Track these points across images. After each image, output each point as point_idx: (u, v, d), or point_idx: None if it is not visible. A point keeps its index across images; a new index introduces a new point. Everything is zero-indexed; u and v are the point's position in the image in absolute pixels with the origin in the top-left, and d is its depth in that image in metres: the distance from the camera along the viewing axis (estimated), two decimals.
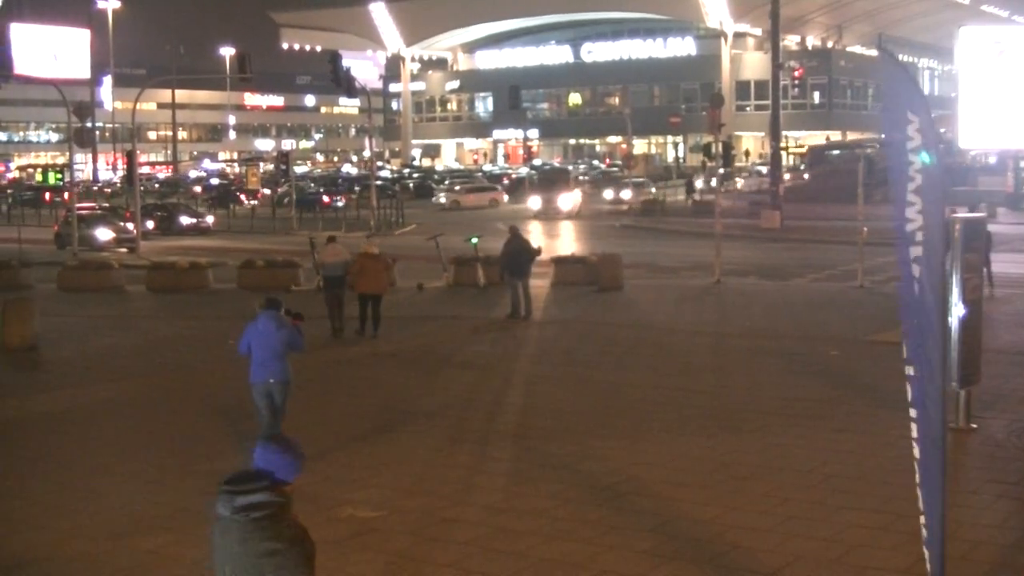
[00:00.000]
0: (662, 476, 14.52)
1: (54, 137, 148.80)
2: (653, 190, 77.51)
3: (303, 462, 6.60)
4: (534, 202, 69.45)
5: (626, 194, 74.77)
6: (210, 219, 64.73)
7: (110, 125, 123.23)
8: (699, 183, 77.04)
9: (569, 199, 69.71)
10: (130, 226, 53.25)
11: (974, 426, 16.48)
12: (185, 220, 62.61)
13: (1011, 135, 59.51)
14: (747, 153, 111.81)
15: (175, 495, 14.25)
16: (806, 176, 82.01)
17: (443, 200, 77.95)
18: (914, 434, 8.90)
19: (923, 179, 8.50)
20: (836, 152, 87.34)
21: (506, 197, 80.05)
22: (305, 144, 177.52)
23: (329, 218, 64.30)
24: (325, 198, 74.57)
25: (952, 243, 15.87)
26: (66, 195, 60.21)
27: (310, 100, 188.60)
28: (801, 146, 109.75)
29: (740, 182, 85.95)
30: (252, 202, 76.05)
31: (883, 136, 9.03)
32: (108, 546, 12.50)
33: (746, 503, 13.32)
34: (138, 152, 53.97)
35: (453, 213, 71.73)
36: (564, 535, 12.46)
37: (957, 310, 15.97)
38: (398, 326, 27.72)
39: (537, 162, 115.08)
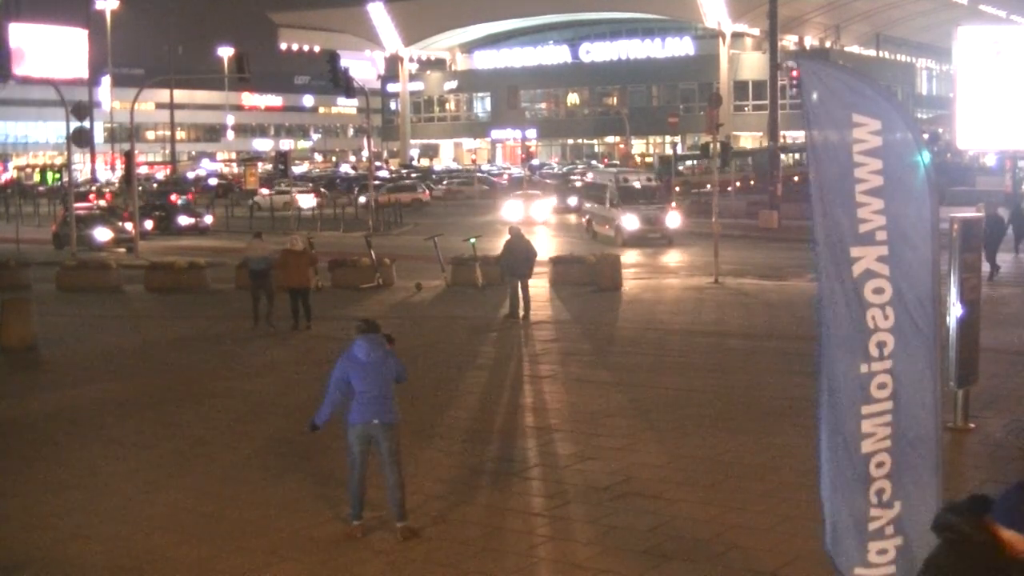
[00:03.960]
0: (662, 476, 14.54)
1: (52, 137, 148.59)
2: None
3: None
4: (630, 221, 48.80)
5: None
6: (208, 219, 64.70)
7: (108, 125, 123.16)
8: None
9: (676, 216, 50.59)
10: (128, 226, 53.20)
11: (972, 426, 16.50)
12: (183, 220, 62.57)
13: (1009, 135, 59.53)
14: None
15: (174, 495, 14.26)
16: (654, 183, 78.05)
17: (257, 200, 77.85)
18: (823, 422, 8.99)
19: (889, 180, 8.54)
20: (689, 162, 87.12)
21: (313, 200, 75.53)
22: (303, 144, 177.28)
23: (327, 217, 64.26)
24: (172, 197, 74.21)
25: (950, 243, 15.93)
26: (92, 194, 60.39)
27: (308, 100, 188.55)
28: (647, 155, 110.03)
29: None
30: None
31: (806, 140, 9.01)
32: (107, 547, 12.52)
33: (745, 503, 13.35)
34: (136, 152, 53.88)
35: (445, 211, 71.65)
36: (563, 535, 12.49)
37: (955, 310, 16.02)
38: (396, 326, 27.74)
39: (535, 162, 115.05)
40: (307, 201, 76.04)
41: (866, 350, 8.63)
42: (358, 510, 12.74)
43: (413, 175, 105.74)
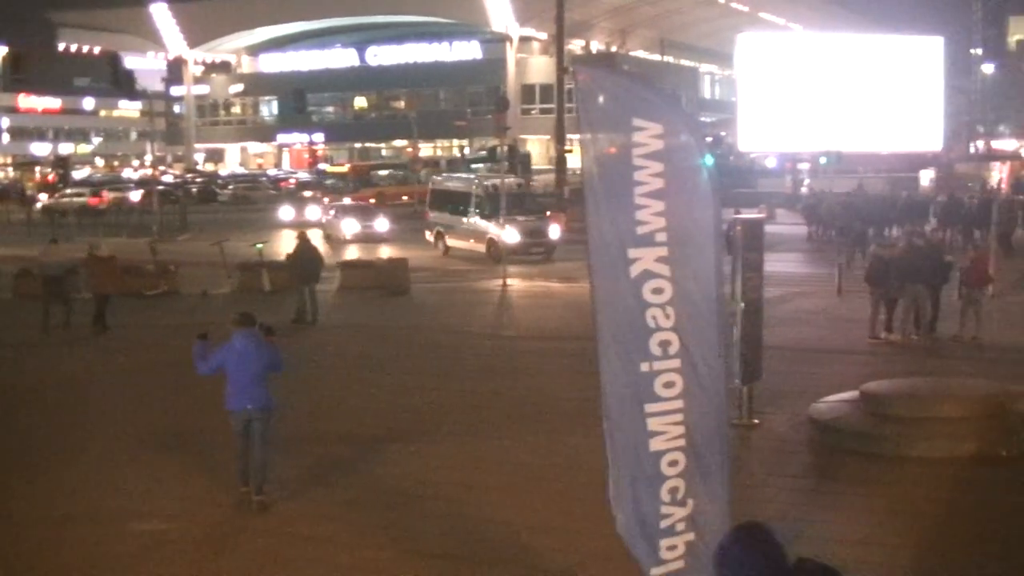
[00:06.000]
0: (456, 479, 14.55)
1: None
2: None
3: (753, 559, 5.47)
4: (510, 235, 40.66)
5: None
6: None
7: None
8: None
9: (556, 227, 44.57)
10: None
11: (756, 421, 16.93)
12: None
13: (787, 138, 61.43)
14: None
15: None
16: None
17: None
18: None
19: (671, 182, 8.69)
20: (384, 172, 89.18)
21: None
22: (84, 148, 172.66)
23: (110, 223, 62.65)
24: None
25: (734, 243, 16.31)
26: None
27: (89, 103, 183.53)
28: (342, 164, 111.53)
29: None
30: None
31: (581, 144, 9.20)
32: None
33: (540, 503, 13.45)
34: None
35: (237, 215, 70.50)
36: (358, 541, 12.39)
37: (738, 308, 16.40)
38: (177, 334, 27.15)
39: (323, 166, 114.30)
40: None
41: (647, 349, 8.73)
42: (244, 478, 13.75)
43: (199, 180, 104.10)
